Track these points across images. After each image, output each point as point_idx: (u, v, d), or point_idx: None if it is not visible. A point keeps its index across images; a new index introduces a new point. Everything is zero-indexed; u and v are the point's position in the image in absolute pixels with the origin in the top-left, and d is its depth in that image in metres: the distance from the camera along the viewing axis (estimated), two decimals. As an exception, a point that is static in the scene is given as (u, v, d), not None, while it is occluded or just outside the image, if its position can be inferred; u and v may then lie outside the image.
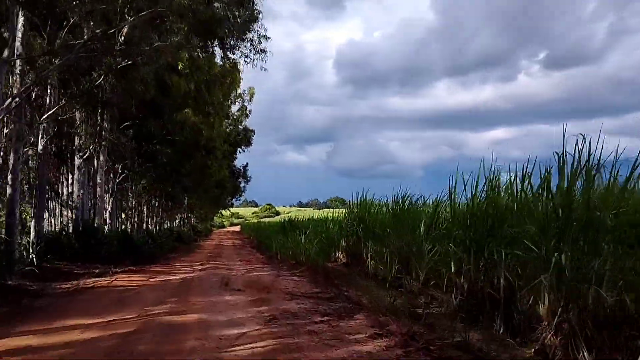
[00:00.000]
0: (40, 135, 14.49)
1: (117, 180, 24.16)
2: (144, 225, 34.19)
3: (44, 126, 14.49)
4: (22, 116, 12.80)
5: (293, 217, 31.73)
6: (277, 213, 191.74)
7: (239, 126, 53.52)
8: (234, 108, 51.60)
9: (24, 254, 13.93)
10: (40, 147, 14.48)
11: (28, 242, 14.25)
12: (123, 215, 29.89)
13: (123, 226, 29.32)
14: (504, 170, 8.63)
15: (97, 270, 14.91)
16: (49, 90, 14.61)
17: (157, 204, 36.76)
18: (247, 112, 55.02)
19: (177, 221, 53.54)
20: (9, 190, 12.82)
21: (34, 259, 13.95)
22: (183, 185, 33.95)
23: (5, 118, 13.08)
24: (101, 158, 20.83)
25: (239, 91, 43.43)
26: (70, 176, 21.63)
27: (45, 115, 13.97)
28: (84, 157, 18.64)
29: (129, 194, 28.29)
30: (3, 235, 12.57)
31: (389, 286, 12.23)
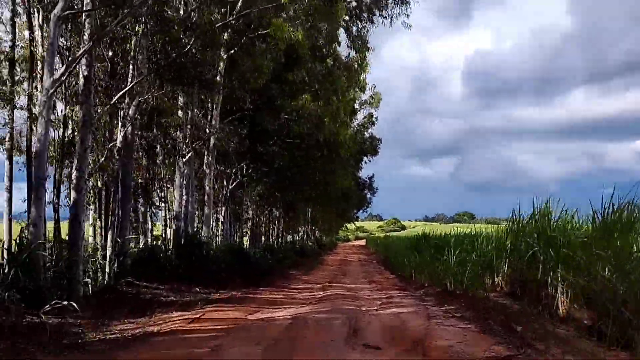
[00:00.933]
0: (119, 123, 11.46)
1: (229, 187, 21.20)
2: (263, 238, 31.34)
3: (125, 112, 11.46)
4: (89, 95, 9.75)
5: (427, 232, 27.07)
6: (403, 227, 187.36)
7: (365, 133, 49.86)
8: (359, 116, 48.12)
9: (97, 274, 10.89)
10: (119, 137, 11.45)
11: (104, 258, 11.21)
12: (239, 227, 27.11)
13: (238, 239, 26.49)
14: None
15: (187, 298, 11.60)
16: (130, 66, 11.52)
17: (277, 215, 33.86)
18: (373, 119, 51.27)
19: (300, 233, 50.79)
20: (72, 194, 9.79)
21: (110, 280, 10.89)
22: (305, 195, 30.67)
23: (66, 96, 10.14)
24: (208, 158, 17.82)
25: (365, 88, 39.75)
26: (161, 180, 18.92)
27: (120, 94, 10.89)
28: (186, 157, 15.62)
29: (246, 202, 25.43)
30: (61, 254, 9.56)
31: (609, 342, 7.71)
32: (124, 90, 10.81)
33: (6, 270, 7.95)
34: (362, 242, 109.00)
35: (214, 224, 22.42)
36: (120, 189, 11.68)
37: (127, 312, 9.08)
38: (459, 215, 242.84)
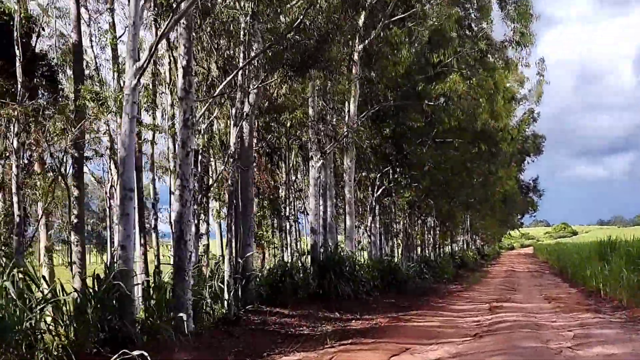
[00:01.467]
0: (232, 120, 9.73)
1: (375, 194, 19.01)
2: (417, 250, 28.67)
3: (238, 110, 9.72)
4: (190, 88, 8.12)
5: (612, 238, 22.49)
6: (574, 233, 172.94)
7: (526, 130, 45.02)
8: (518, 113, 43.52)
9: (212, 300, 9.20)
10: (232, 140, 9.72)
11: (223, 281, 9.50)
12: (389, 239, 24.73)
13: (389, 252, 24.14)
14: None
15: (320, 328, 9.54)
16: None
17: (432, 224, 30.99)
18: (534, 114, 46.20)
19: (459, 243, 47.06)
20: (175, 205, 8.19)
21: (230, 309, 9.17)
22: (461, 201, 27.52)
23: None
24: (347, 161, 15.79)
25: (523, 80, 35.50)
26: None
27: (226, 82, 9.13)
28: (318, 161, 13.69)
29: (393, 211, 23.05)
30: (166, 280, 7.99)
31: None
32: (230, 77, 9.07)
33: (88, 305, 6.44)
34: (529, 250, 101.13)
35: (361, 236, 20.41)
36: (239, 200, 10.00)
37: (238, 353, 7.16)
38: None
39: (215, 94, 9.45)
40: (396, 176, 19.29)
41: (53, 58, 13.61)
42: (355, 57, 15.12)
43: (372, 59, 15.82)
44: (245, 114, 9.84)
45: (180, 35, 8.08)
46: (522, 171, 51.65)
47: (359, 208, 20.63)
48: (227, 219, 9.49)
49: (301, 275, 13.17)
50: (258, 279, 11.33)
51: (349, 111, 15.34)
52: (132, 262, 7.19)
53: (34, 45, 12.34)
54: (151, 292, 7.76)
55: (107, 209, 14.36)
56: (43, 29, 12.95)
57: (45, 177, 11.75)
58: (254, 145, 11.39)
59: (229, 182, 9.67)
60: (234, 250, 9.62)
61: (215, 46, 9.78)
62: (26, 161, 12.17)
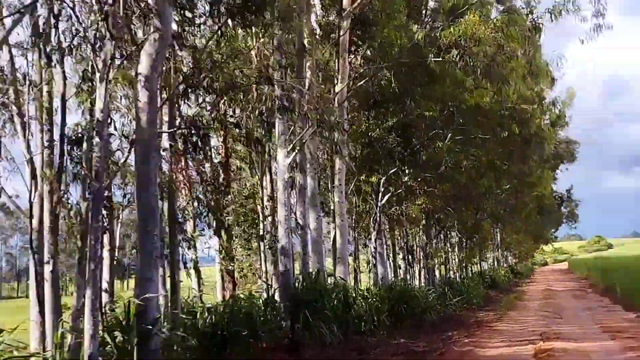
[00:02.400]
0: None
1: (380, 202, 15.08)
2: (441, 269, 24.49)
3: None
4: None
5: None
6: (610, 246, 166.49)
7: (559, 132, 40.63)
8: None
9: None
10: (99, 104, 5.85)
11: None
12: (400, 260, 20.50)
13: (402, 274, 20.03)
14: None
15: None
16: None
17: (456, 239, 26.73)
18: (567, 118, 41.77)
19: (489, 261, 42.44)
20: None
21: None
22: (491, 211, 23.39)
23: None
24: (337, 162, 11.98)
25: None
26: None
27: None
28: (289, 155, 9.83)
29: (405, 224, 18.84)
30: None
31: None
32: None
33: None
34: (563, 266, 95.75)
35: (369, 255, 16.54)
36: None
37: None
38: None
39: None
40: (405, 179, 15.35)
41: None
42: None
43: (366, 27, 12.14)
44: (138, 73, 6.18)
45: None
46: (555, 180, 47.21)
47: (361, 221, 16.70)
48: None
49: (268, 315, 9.30)
50: (186, 327, 7.48)
51: (335, 92, 11.61)
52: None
53: None
54: None
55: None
56: None
57: None
58: (159, 123, 7.54)
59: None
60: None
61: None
62: None
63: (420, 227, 20.19)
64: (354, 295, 11.66)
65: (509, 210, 25.05)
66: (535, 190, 24.25)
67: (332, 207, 13.61)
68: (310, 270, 10.46)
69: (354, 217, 16.13)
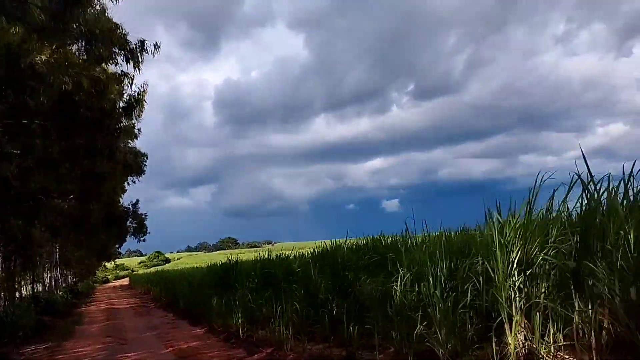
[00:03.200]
0: None
1: None
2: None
3: None
4: None
5: (232, 260, 18.46)
6: (167, 260, 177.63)
7: (129, 142, 39.08)
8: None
9: None
10: None
11: None
12: None
13: None
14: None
15: None
16: None
17: None
18: (136, 130, 40.57)
19: (45, 282, 37.32)
20: None
21: None
22: (50, 222, 19.67)
23: None
24: None
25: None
26: None
27: None
28: None
29: None
30: None
31: None
32: None
33: None
34: (125, 282, 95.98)
35: None
36: None
37: None
38: (222, 242, 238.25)
39: None
40: None
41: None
42: None
43: None
44: None
45: None
46: (124, 192, 45.50)
47: None
48: None
49: None
50: None
51: None
52: None
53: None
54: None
55: None
56: None
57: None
58: None
59: None
60: None
61: None
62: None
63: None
64: None
65: (73, 220, 21.67)
66: (107, 197, 21.70)
67: None
68: None
69: None
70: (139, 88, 16.63)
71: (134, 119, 25.19)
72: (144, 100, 34.90)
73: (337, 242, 11.05)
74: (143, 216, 42.62)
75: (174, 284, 30.08)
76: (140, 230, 41.16)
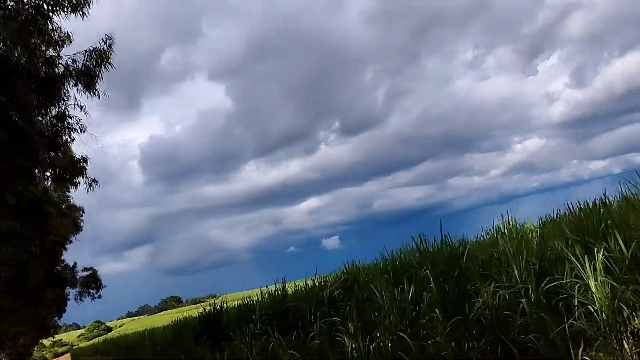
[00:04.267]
0: None
1: None
2: None
3: None
4: None
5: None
6: (109, 329, 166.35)
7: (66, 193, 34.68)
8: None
9: None
10: None
11: None
12: None
13: None
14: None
15: None
16: None
17: None
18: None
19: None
20: None
21: None
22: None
23: None
24: None
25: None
26: None
27: None
28: None
29: None
30: None
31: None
32: None
33: None
34: (66, 358, 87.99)
35: None
36: None
37: None
38: (165, 302, 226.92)
39: None
40: None
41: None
42: None
43: None
44: None
45: None
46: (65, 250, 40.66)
47: None
48: None
49: None
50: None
51: None
52: None
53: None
54: None
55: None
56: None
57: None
58: None
59: None
60: None
61: None
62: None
63: None
64: None
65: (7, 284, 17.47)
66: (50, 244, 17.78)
67: None
68: None
69: None
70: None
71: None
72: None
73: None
74: (93, 268, 37.92)
75: (134, 349, 25.86)
76: (94, 282, 36.21)
